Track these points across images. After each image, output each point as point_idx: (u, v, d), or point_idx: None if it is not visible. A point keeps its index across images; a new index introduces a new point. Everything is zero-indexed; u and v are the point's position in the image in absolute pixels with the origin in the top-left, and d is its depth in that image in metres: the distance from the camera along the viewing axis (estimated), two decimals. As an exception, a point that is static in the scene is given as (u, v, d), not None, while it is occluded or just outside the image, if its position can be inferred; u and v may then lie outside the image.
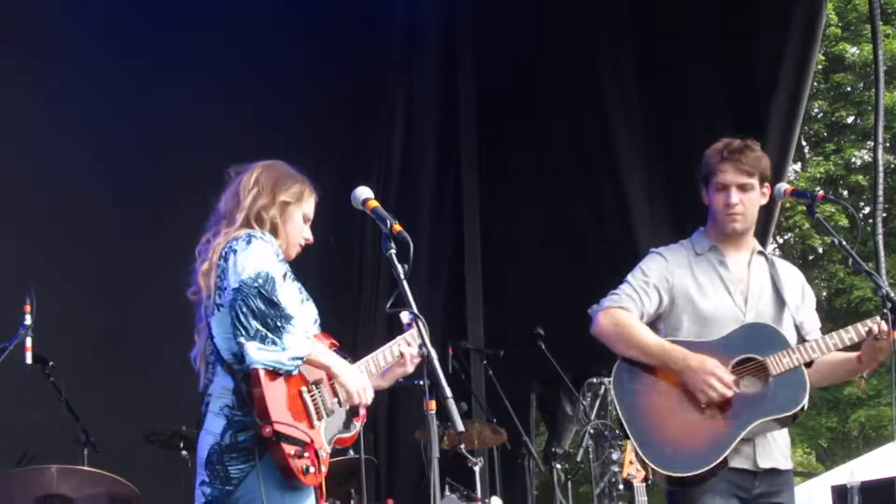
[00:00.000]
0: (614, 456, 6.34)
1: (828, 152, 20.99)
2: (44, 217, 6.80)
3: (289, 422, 3.49)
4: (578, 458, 7.16)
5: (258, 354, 3.44)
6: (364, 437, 5.51)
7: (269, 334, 3.45)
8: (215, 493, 3.52)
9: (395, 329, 3.81)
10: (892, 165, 20.43)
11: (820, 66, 19.26)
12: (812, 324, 4.19)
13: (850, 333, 3.95)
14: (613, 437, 6.43)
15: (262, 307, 3.46)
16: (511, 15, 8.21)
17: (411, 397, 6.19)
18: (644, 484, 4.74)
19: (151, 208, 7.08)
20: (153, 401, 6.55)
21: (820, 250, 21.48)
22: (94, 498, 5.32)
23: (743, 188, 4.08)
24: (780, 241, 21.23)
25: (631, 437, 4.02)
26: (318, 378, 3.66)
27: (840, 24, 20.68)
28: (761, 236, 5.34)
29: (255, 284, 3.48)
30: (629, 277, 4.17)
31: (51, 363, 5.68)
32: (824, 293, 20.39)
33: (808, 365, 3.97)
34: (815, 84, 19.12)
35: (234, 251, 3.58)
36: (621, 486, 6.58)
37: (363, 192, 3.56)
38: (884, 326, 3.83)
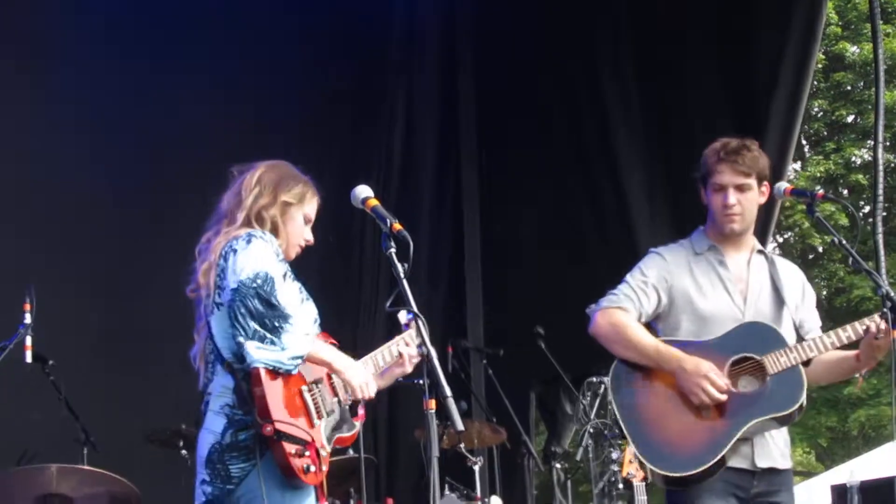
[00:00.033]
0: (614, 455, 6.34)
1: (828, 151, 20.99)
2: (44, 217, 6.80)
3: (289, 421, 3.49)
4: (578, 458, 7.16)
5: (259, 353, 3.45)
6: (364, 437, 5.53)
7: (268, 335, 3.46)
8: (216, 491, 3.52)
9: (396, 329, 3.80)
10: (892, 164, 20.43)
11: (820, 65, 19.26)
12: (812, 322, 4.20)
13: (847, 332, 3.96)
14: (613, 437, 6.43)
15: (260, 308, 3.46)
16: (511, 15, 8.21)
17: (411, 396, 6.18)
18: (644, 483, 4.74)
19: (151, 208, 7.08)
20: (153, 401, 6.55)
21: (820, 249, 21.48)
22: (93, 497, 5.32)
23: (740, 189, 4.08)
24: (780, 240, 21.24)
25: (628, 437, 4.02)
26: (317, 377, 3.67)
27: (840, 23, 20.67)
28: (761, 235, 5.34)
29: (254, 285, 3.48)
30: (628, 277, 4.17)
31: (50, 362, 5.69)
32: (824, 292, 20.39)
33: (807, 364, 3.98)
34: (815, 83, 19.12)
35: (234, 250, 3.59)
36: (621, 486, 6.57)
37: (363, 191, 3.56)
38: (882, 325, 3.83)
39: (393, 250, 3.37)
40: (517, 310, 8.17)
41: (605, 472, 6.81)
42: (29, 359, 5.42)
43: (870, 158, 20.14)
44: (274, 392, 3.48)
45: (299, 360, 3.52)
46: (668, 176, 7.43)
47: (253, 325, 3.45)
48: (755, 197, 4.12)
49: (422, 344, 3.30)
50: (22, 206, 6.77)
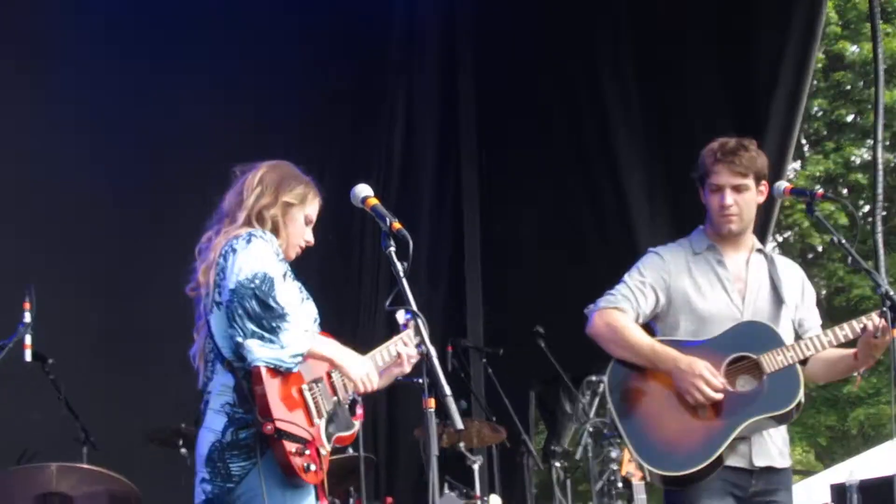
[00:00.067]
0: (613, 454, 6.33)
1: (827, 151, 20.96)
2: (44, 217, 6.81)
3: (290, 419, 3.50)
4: (577, 457, 7.15)
5: (260, 352, 3.45)
6: (363, 436, 5.54)
7: (266, 335, 3.46)
8: (216, 490, 3.52)
9: (396, 328, 3.80)
10: (892, 164, 20.41)
11: (820, 65, 19.24)
12: (812, 321, 4.21)
13: (844, 330, 3.97)
14: (612, 436, 6.43)
15: (258, 309, 3.46)
16: (511, 15, 8.21)
17: (410, 395, 6.18)
18: (643, 482, 4.75)
19: (151, 208, 7.09)
20: (153, 400, 6.55)
21: (819, 249, 21.45)
22: (93, 496, 5.33)
23: (738, 189, 4.08)
24: (780, 239, 21.22)
25: (625, 437, 4.03)
26: (317, 376, 3.67)
27: (840, 23, 20.64)
28: (761, 234, 5.34)
29: (252, 286, 3.48)
30: (626, 277, 4.18)
31: (50, 361, 5.70)
32: (824, 291, 20.37)
33: (804, 362, 3.98)
34: (815, 82, 19.08)
35: (234, 250, 3.59)
36: (620, 484, 6.56)
37: (363, 190, 3.56)
38: (879, 322, 3.84)
39: (392, 249, 3.37)
40: (517, 310, 8.17)
41: (604, 471, 6.80)
42: (28, 357, 5.43)
43: (869, 158, 20.11)
44: (274, 390, 3.49)
45: (300, 358, 3.53)
46: (668, 176, 7.43)
47: (251, 325, 3.45)
48: (753, 197, 4.12)
49: (421, 343, 3.29)
50: (22, 206, 6.77)
